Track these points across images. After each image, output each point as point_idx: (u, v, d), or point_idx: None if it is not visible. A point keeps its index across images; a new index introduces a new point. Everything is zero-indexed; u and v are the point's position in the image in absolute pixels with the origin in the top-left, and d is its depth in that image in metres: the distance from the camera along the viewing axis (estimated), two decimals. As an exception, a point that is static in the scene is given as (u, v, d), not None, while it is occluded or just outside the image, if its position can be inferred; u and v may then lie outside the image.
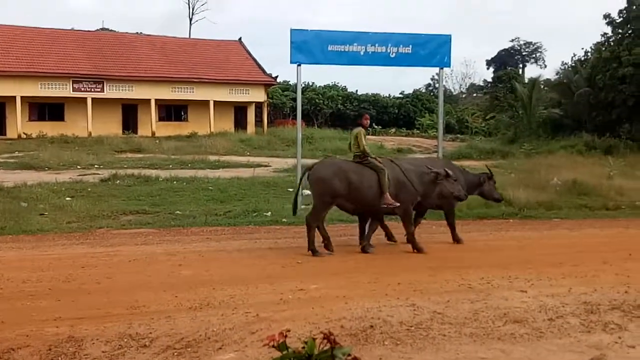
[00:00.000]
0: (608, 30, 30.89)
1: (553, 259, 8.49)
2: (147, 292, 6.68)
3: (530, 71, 70.92)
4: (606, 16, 30.44)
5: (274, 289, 6.84)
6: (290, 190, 15.56)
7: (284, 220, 11.84)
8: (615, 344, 5.23)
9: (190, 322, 5.61)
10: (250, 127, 39.95)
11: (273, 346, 2.59)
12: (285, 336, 2.58)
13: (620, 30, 29.91)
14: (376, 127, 46.29)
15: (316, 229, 8.91)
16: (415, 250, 9.04)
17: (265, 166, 22.96)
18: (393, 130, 46.55)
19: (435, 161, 10.61)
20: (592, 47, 34.55)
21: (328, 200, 8.90)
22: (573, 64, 36.37)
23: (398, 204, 8.90)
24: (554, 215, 13.01)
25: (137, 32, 42.63)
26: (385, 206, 8.90)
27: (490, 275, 7.50)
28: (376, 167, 9.00)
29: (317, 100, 48.00)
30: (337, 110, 49.01)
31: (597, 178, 17.01)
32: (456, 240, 9.85)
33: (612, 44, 30.22)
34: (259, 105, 40.69)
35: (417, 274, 7.59)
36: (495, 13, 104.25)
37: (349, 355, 2.55)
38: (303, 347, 2.59)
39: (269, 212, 12.54)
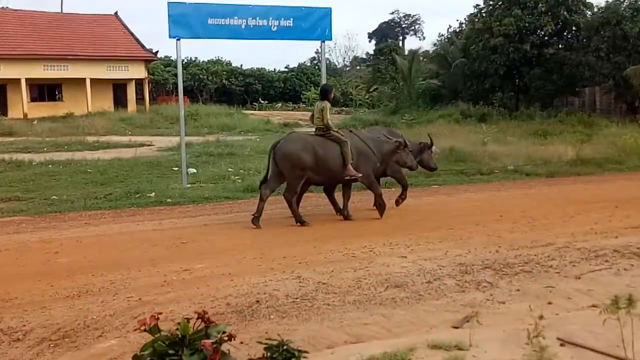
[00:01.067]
0: (480, 2, 32.28)
1: (431, 224, 8.88)
2: (20, 282, 6.31)
3: (410, 43, 73.00)
4: (478, -12, 31.81)
5: (158, 272, 6.68)
6: (176, 169, 15.23)
7: (168, 200, 11.58)
8: (487, 301, 5.55)
9: (68, 311, 5.38)
10: (131, 105, 38.52)
11: (145, 330, 2.52)
12: (157, 319, 2.52)
13: (491, 2, 31.30)
14: (262, 101, 46.11)
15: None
16: (380, 215, 9.55)
17: (149, 145, 22.29)
18: (279, 104, 46.57)
19: (379, 131, 10.89)
20: (466, 19, 36.02)
21: (299, 173, 9.16)
22: (449, 36, 37.80)
23: (360, 175, 9.35)
24: (433, 182, 13.54)
25: (2, 7, 39.69)
26: (348, 177, 9.29)
27: (372, 243, 7.72)
28: (339, 140, 9.32)
29: (201, 76, 47.04)
30: (222, 86, 48.30)
31: (473, 145, 17.91)
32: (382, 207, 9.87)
33: (484, 15, 31.59)
34: (139, 82, 39.25)
35: (302, 246, 7.68)
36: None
37: (224, 332, 2.54)
38: (177, 329, 2.55)
39: (153, 193, 12.20)
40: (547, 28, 28.90)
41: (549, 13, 28.89)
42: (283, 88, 50.91)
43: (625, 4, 28.16)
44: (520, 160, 15.50)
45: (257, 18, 13.62)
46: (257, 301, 5.62)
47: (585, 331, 4.64)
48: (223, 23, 13.42)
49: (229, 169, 15.01)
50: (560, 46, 30.63)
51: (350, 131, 10.11)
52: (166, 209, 10.93)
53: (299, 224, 9.14)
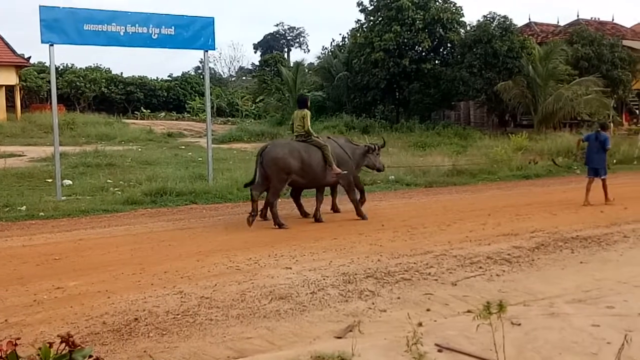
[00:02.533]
0: (361, 17, 33.18)
1: (315, 235, 8.94)
2: None
3: (295, 55, 73.84)
4: (359, 3, 32.65)
5: (27, 290, 6.25)
6: (50, 180, 14.40)
7: (41, 214, 10.91)
8: (369, 310, 5.65)
9: None
10: (1, 113, 36.03)
11: (1, 358, 2.31)
12: (15, 345, 2.32)
13: (372, 18, 32.26)
14: (144, 110, 44.73)
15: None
16: (359, 217, 10.27)
17: (20, 156, 20.88)
18: (163, 114, 45.29)
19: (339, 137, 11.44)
20: (349, 33, 36.90)
21: (284, 177, 9.79)
22: (332, 49, 38.51)
23: (346, 172, 10.13)
24: (318, 192, 13.65)
25: None
26: (335, 177, 10.05)
27: (257, 255, 7.65)
28: (320, 145, 10.03)
29: (78, 83, 44.78)
30: (101, 94, 46.26)
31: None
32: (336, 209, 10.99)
33: (365, 30, 32.48)
34: (10, 89, 36.80)
35: (185, 260, 7.46)
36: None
37: (90, 356, 2.38)
38: (38, 354, 2.36)
39: (24, 207, 11.45)
40: (424, 44, 30.19)
41: (426, 30, 30.21)
42: (166, 97, 49.57)
43: (495, 23, 29.95)
44: (401, 171, 16.00)
45: (137, 25, 13.25)
46: (136, 319, 5.39)
47: (461, 336, 4.82)
48: (100, 29, 12.94)
49: (108, 180, 14.39)
50: (436, 62, 32.09)
51: (328, 137, 10.81)
52: (38, 223, 10.28)
53: (277, 226, 9.61)
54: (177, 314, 5.53)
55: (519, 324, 5.07)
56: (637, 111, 36.42)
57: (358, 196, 10.71)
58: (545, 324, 5.13)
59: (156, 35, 13.54)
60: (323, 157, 9.96)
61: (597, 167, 11.95)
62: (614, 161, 18.90)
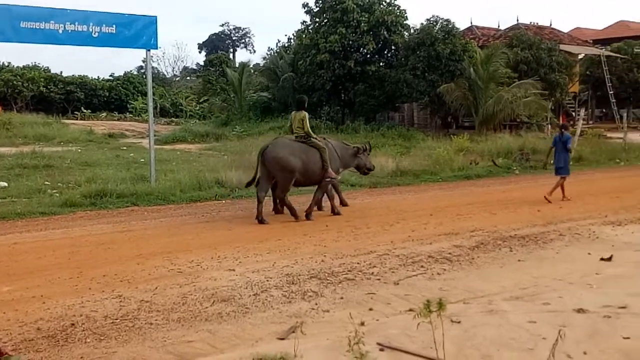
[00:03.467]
0: (307, 18, 33.21)
1: (259, 236, 8.89)
2: None
3: (241, 56, 73.46)
4: (305, 5, 32.65)
5: (-44, 297, 6.00)
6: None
7: (-27, 217, 10.48)
8: (313, 310, 5.64)
9: None
10: None
11: None
12: None
13: (317, 19, 32.31)
14: (85, 111, 43.63)
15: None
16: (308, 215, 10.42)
17: (-49, 157, 20.08)
18: (104, 114, 44.27)
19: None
20: (294, 34, 36.87)
21: (289, 175, 10.18)
22: (278, 50, 38.43)
23: (339, 177, 10.91)
24: (263, 193, 13.57)
25: None
26: (328, 179, 10.46)
27: (200, 257, 7.56)
28: (318, 146, 10.47)
29: (15, 82, 43.34)
30: (39, 93, 44.92)
31: (301, 157, 18.23)
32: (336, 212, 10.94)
33: (311, 31, 32.51)
34: (-59, 88, 35.37)
35: (125, 263, 7.30)
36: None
37: (19, 365, 2.28)
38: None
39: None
40: (369, 46, 30.42)
41: (371, 32, 30.46)
42: (108, 97, 48.45)
43: (437, 26, 30.46)
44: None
45: (76, 23, 12.91)
46: (72, 324, 5.25)
47: (403, 335, 4.87)
48: (37, 27, 12.54)
49: (46, 182, 13.96)
50: (381, 64, 32.39)
51: (324, 138, 11.24)
52: (-31, 228, 9.88)
53: (295, 218, 10.20)
54: (116, 319, 5.41)
55: (459, 322, 5.15)
56: (574, 113, 37.67)
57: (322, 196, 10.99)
58: (484, 321, 5.23)
59: (96, 34, 13.22)
60: (320, 158, 10.38)
61: (561, 166, 12.58)
62: (551, 161, 19.50)
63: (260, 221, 10.00)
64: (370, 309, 5.63)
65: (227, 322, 5.35)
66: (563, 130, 12.99)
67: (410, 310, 5.39)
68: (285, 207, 10.58)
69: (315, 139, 10.66)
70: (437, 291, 6.12)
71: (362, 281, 6.56)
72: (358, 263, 7.25)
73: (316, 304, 5.81)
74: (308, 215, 10.41)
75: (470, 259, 7.54)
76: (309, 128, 10.54)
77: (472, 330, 5.00)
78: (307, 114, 10.68)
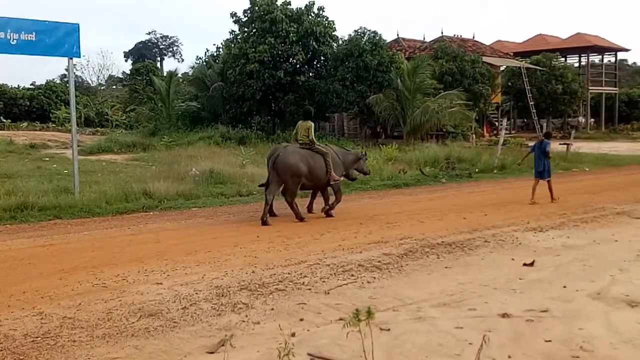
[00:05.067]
0: (236, 28, 33.07)
1: (188, 248, 8.73)
2: None
3: (169, 65, 72.44)
4: (233, 14, 32.53)
5: None
6: None
7: None
8: (243, 323, 5.59)
9: None
10: None
11: None
12: None
13: (246, 29, 32.22)
14: (4, 120, 41.84)
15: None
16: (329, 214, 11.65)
17: None
18: (25, 124, 42.62)
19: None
20: (223, 44, 36.63)
21: (297, 180, 11.13)
22: (207, 59, 38.05)
23: (341, 179, 11.98)
24: (193, 204, 13.38)
25: None
26: (333, 182, 11.50)
27: (126, 271, 7.35)
28: (323, 152, 11.49)
29: None
30: (-46, 102, 42.93)
31: (232, 167, 18.12)
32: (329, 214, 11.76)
33: (240, 41, 32.39)
34: None
35: (46, 279, 7.02)
36: (130, 4, 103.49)
37: None
38: None
39: None
40: (298, 57, 30.60)
41: (300, 43, 30.65)
42: (29, 106, 46.68)
43: (365, 38, 30.95)
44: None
45: (-6, 30, 12.37)
46: (-10, 345, 4.99)
47: (333, 344, 4.89)
48: (-49, 33, 11.96)
49: (-39, 196, 13.26)
50: (311, 74, 32.63)
51: (326, 145, 12.44)
52: None
53: (299, 220, 11.11)
54: (37, 337, 5.19)
55: (388, 329, 5.22)
56: (497, 123, 38.99)
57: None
58: (412, 328, 5.32)
59: (15, 41, 12.73)
60: (324, 163, 11.34)
61: (541, 170, 13.56)
62: (476, 170, 20.11)
63: (264, 222, 10.73)
64: (301, 319, 5.62)
65: (154, 337, 5.22)
66: (544, 138, 14.08)
67: (341, 319, 5.41)
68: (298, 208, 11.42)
69: (319, 145, 11.69)
70: (367, 299, 6.18)
71: (293, 291, 6.54)
72: (289, 273, 7.23)
73: (246, 316, 5.75)
74: (330, 213, 11.67)
75: (399, 266, 7.65)
76: (314, 136, 11.59)
77: (401, 337, 5.07)
78: (312, 124, 11.71)
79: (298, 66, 31.93)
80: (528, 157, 15.17)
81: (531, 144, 25.22)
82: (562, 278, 7.04)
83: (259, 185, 12.34)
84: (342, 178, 12.22)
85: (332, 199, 11.96)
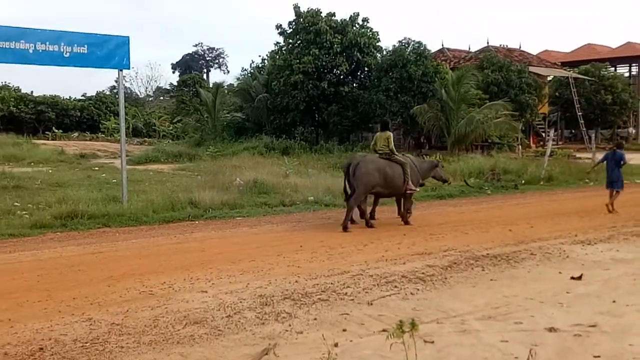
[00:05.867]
0: (280, 40, 33.44)
1: (233, 257, 8.82)
2: None
3: (215, 76, 73.44)
4: (278, 27, 32.92)
5: None
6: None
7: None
8: (286, 332, 5.61)
9: None
10: None
11: None
12: None
13: (290, 41, 32.57)
14: (56, 131, 43.13)
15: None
16: (407, 222, 12.01)
17: None
18: (76, 134, 43.87)
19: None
20: (268, 55, 37.06)
21: (369, 189, 11.66)
22: (252, 71, 38.53)
23: (418, 189, 12.51)
24: (237, 214, 13.53)
25: None
26: (409, 191, 11.85)
27: (172, 279, 7.48)
28: (401, 162, 11.90)
29: (-16, 103, 42.90)
30: (9, 114, 44.43)
31: (276, 177, 18.26)
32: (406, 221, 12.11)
33: (284, 52, 32.74)
34: None
35: (95, 286, 7.19)
36: (178, 17, 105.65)
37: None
38: None
39: None
40: (342, 68, 30.73)
41: (344, 54, 30.79)
42: (80, 117, 48.07)
43: (409, 48, 30.88)
44: (319, 192, 16.09)
45: (47, 43, 12.81)
46: (41, 348, 5.15)
47: (377, 355, 4.87)
48: (8, 47, 12.42)
49: (15, 204, 13.72)
50: (354, 85, 32.73)
51: (403, 154, 12.87)
52: None
53: (343, 226, 11.31)
54: (86, 342, 5.31)
55: (432, 342, 5.17)
56: (544, 134, 38.32)
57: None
58: (457, 340, 5.26)
59: (68, 54, 13.13)
60: (403, 172, 11.75)
61: (614, 181, 13.65)
62: (522, 181, 19.78)
63: (346, 227, 11.26)
64: (344, 330, 5.61)
65: (199, 345, 5.29)
66: (617, 148, 14.19)
67: (384, 330, 5.39)
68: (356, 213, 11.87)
69: (398, 155, 12.11)
70: (411, 311, 6.14)
71: (336, 302, 6.54)
72: (332, 283, 7.24)
73: (289, 326, 5.78)
74: (407, 222, 12.01)
75: (443, 278, 7.58)
76: (393, 146, 12.05)
77: (446, 350, 5.02)
78: (391, 134, 12.25)
79: (342, 77, 32.08)
80: (598, 166, 15.68)
81: (579, 155, 24.54)
82: (611, 292, 6.87)
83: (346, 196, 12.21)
84: (418, 189, 12.60)
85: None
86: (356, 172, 11.59)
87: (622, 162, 13.68)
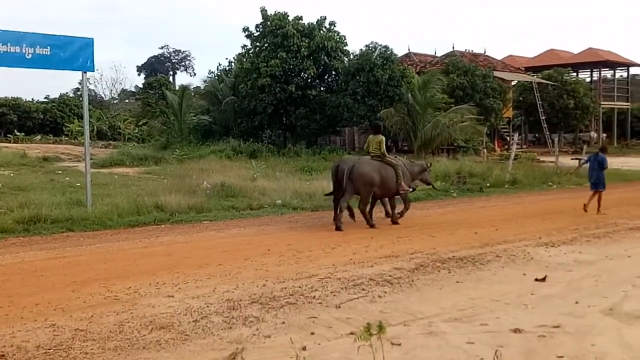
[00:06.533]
0: (248, 43, 33.30)
1: (200, 261, 8.76)
2: None
3: (181, 79, 72.86)
4: (245, 29, 32.77)
5: None
6: None
7: None
8: (254, 336, 5.59)
9: None
10: None
11: None
12: None
13: (258, 44, 32.45)
14: (18, 133, 42.24)
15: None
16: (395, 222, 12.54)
17: None
18: (39, 137, 43.01)
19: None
20: (235, 58, 36.88)
21: (370, 189, 12.01)
22: (219, 73, 38.29)
23: (411, 189, 12.94)
24: (204, 217, 13.43)
25: None
26: (402, 191, 12.43)
27: (137, 284, 7.39)
28: (393, 164, 12.41)
29: (-58, 104, 41.80)
30: (-31, 116, 43.42)
31: (243, 180, 18.18)
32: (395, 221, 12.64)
33: (252, 55, 32.61)
34: None
35: (59, 291, 7.06)
36: (143, 18, 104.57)
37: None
38: None
39: None
40: (309, 71, 30.75)
41: (311, 57, 30.80)
42: (43, 119, 47.13)
43: (376, 52, 31.06)
44: (287, 195, 16.07)
45: (9, 44, 12.55)
46: (2, 355, 5.05)
47: (344, 358, 4.90)
48: (-32, 48, 12.13)
49: (-25, 208, 13.38)
50: (322, 88, 32.76)
51: (395, 157, 13.57)
52: None
53: (369, 226, 11.94)
54: (49, 349, 5.22)
55: (399, 344, 5.20)
56: (508, 138, 38.89)
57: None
58: (424, 342, 5.30)
59: (30, 55, 12.88)
60: (395, 174, 12.21)
61: (596, 182, 14.27)
62: (487, 184, 20.05)
63: (338, 228, 11.64)
64: (312, 333, 5.61)
65: (165, 350, 5.24)
66: (600, 151, 14.92)
67: (352, 333, 5.41)
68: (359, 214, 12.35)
69: (390, 158, 12.61)
70: (378, 314, 6.17)
71: (304, 305, 6.54)
72: (300, 287, 7.24)
73: (257, 330, 5.75)
74: (396, 222, 12.52)
75: (410, 281, 7.63)
76: (385, 149, 12.50)
77: (413, 352, 5.06)
78: (383, 138, 12.68)
79: (309, 80, 32.10)
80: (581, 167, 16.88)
81: (543, 158, 25.08)
82: (574, 294, 7.01)
83: (325, 195, 13.50)
84: (410, 189, 12.93)
85: (393, 207, 12.91)
86: (354, 173, 11.89)
87: (604, 166, 14.26)
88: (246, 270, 8.21)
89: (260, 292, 7.00)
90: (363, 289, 7.20)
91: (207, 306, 6.44)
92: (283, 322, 5.96)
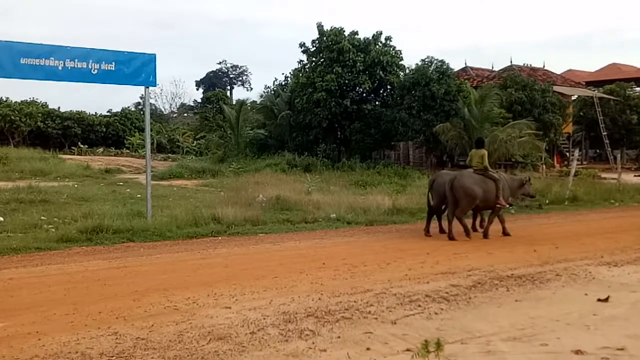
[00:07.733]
0: (304, 57, 33.67)
1: (256, 273, 8.85)
2: None
3: (238, 93, 74.01)
4: (301, 45, 33.15)
5: (-50, 333, 5.94)
6: None
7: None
8: (310, 350, 5.60)
9: None
10: None
11: None
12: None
13: (314, 59, 32.78)
14: (82, 146, 43.71)
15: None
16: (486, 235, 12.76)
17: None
18: (101, 149, 44.41)
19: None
20: (291, 73, 37.32)
21: (471, 201, 12.46)
22: (275, 88, 38.79)
23: (508, 205, 13.36)
24: (260, 230, 13.58)
25: None
26: (499, 206, 12.69)
27: (196, 294, 7.52)
28: (495, 178, 12.71)
29: (12, 117, 43.50)
30: (36, 129, 45.10)
31: (298, 194, 18.31)
32: (506, 233, 13.02)
33: (307, 70, 32.94)
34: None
35: (121, 300, 7.26)
36: (202, 35, 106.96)
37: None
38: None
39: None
40: (365, 85, 30.84)
41: (367, 72, 30.90)
42: (105, 132, 48.64)
43: (432, 67, 30.90)
44: (342, 209, 16.10)
45: (76, 60, 13.07)
46: (68, 361, 5.20)
47: (401, 375, 4.84)
48: (37, 63, 12.70)
49: (42, 217, 13.91)
50: (377, 103, 32.78)
51: (497, 171, 13.72)
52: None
53: (466, 235, 12.43)
54: (112, 356, 5.36)
55: (457, 362, 5.13)
56: (568, 153, 37.97)
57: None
58: (482, 361, 5.21)
59: (96, 71, 13.39)
60: (495, 188, 12.52)
61: None
62: (546, 201, 19.59)
63: (451, 237, 12.29)
64: (368, 349, 5.60)
65: (223, 361, 5.31)
66: None
67: (408, 350, 5.36)
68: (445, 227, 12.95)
69: (492, 172, 12.90)
70: (435, 331, 6.10)
71: (359, 320, 6.53)
72: (355, 302, 7.23)
73: (313, 343, 5.77)
74: (486, 235, 12.76)
75: (467, 298, 7.53)
76: (487, 163, 12.77)
77: (470, 370, 4.98)
78: (486, 152, 12.98)
79: (364, 95, 32.18)
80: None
81: (604, 175, 24.44)
82: (639, 315, 6.77)
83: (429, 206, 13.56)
84: (507, 205, 13.18)
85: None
86: (456, 185, 12.41)
87: None
88: (301, 283, 8.26)
89: (315, 306, 7.02)
90: (419, 305, 7.13)
91: (264, 318, 6.50)
92: (339, 337, 5.96)
